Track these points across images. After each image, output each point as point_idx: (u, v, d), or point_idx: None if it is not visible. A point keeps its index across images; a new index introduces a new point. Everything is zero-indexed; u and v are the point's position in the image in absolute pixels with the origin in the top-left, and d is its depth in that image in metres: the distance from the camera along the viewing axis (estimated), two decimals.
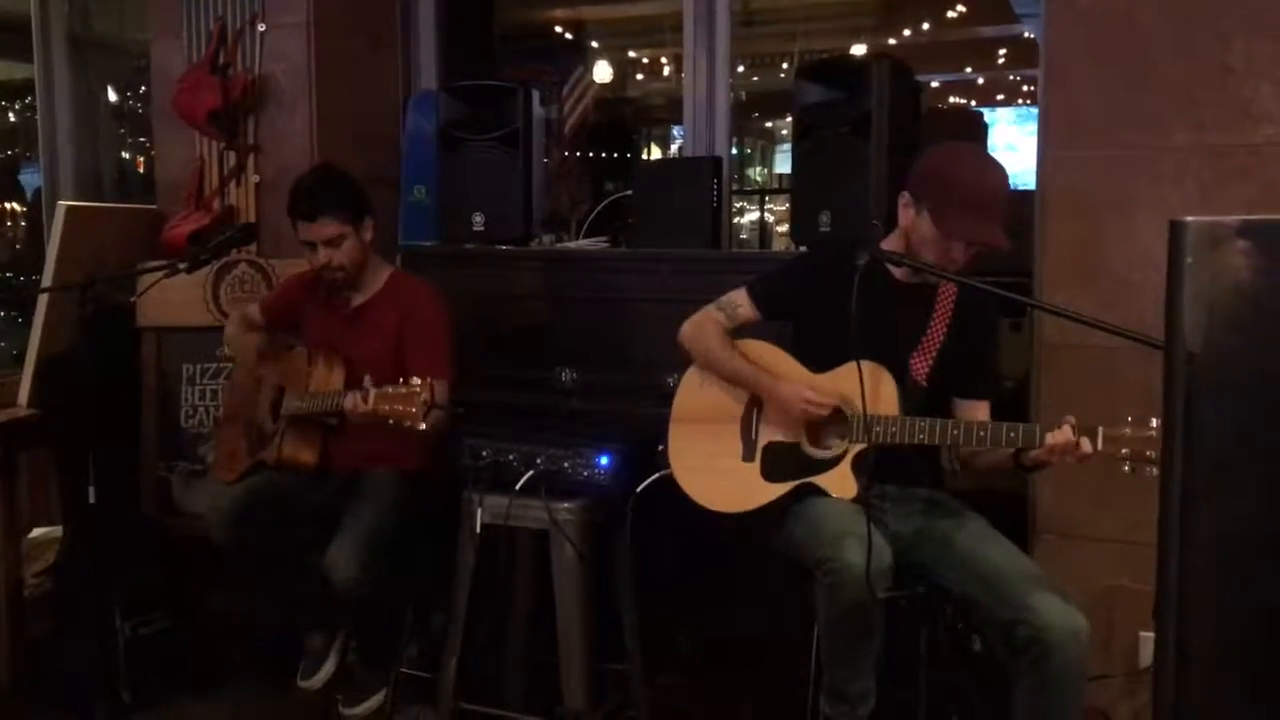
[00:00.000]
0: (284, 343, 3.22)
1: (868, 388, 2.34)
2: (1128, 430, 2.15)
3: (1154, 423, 2.12)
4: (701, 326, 2.62)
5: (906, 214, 2.46)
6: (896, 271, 2.52)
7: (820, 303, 2.51)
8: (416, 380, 2.59)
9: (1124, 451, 2.15)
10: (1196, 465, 0.90)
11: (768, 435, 2.54)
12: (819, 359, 2.51)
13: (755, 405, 2.58)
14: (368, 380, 2.67)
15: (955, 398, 2.51)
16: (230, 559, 2.98)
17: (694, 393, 2.66)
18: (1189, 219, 0.92)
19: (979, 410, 2.53)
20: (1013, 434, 2.28)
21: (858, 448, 2.41)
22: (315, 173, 3.13)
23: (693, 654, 3.15)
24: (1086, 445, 2.21)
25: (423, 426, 2.59)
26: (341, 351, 3.03)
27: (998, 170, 2.43)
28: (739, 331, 2.62)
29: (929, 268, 2.43)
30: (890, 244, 2.52)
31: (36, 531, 3.94)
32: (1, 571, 3.41)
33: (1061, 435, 2.23)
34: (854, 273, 2.28)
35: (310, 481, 3.00)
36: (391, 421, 2.61)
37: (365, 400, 2.65)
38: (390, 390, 2.61)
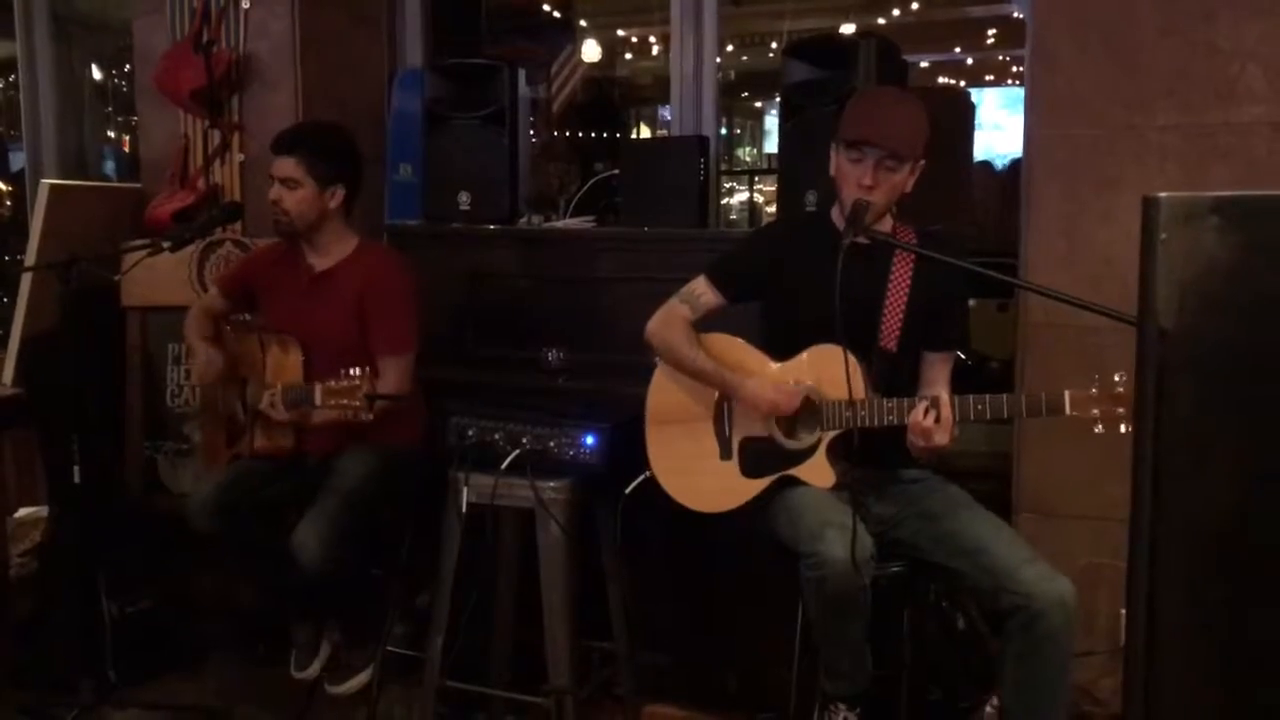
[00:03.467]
0: (245, 328, 3.19)
1: (831, 372, 2.35)
2: (1094, 390, 2.15)
3: (1117, 377, 2.13)
4: (666, 323, 2.60)
5: (832, 163, 2.48)
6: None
7: (782, 279, 2.53)
8: (355, 371, 2.62)
9: (1094, 412, 2.15)
10: (1169, 442, 0.91)
11: (741, 431, 2.54)
12: (787, 338, 2.51)
13: (725, 401, 2.58)
14: (318, 391, 2.69)
15: (924, 351, 2.52)
16: (213, 548, 2.98)
17: (665, 393, 2.66)
18: (1162, 194, 0.92)
19: (940, 364, 2.53)
20: (980, 406, 2.28)
21: (831, 435, 2.41)
22: (313, 120, 3.14)
23: (678, 631, 3.16)
24: (940, 437, 2.24)
25: (368, 418, 2.64)
26: (301, 322, 3.00)
27: (890, 90, 2.51)
28: (706, 319, 2.61)
29: (913, 248, 2.44)
30: (837, 211, 2.54)
31: (22, 511, 3.93)
32: None
33: (913, 415, 2.27)
34: (830, 250, 2.28)
35: (288, 466, 2.99)
36: (338, 416, 2.66)
37: (314, 401, 2.71)
38: (333, 384, 2.65)
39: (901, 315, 2.47)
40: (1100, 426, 2.15)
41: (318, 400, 2.69)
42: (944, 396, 2.26)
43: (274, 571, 2.93)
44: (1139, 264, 0.92)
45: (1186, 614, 0.92)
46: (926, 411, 2.25)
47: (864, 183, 2.38)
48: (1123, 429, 2.12)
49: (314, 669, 3.03)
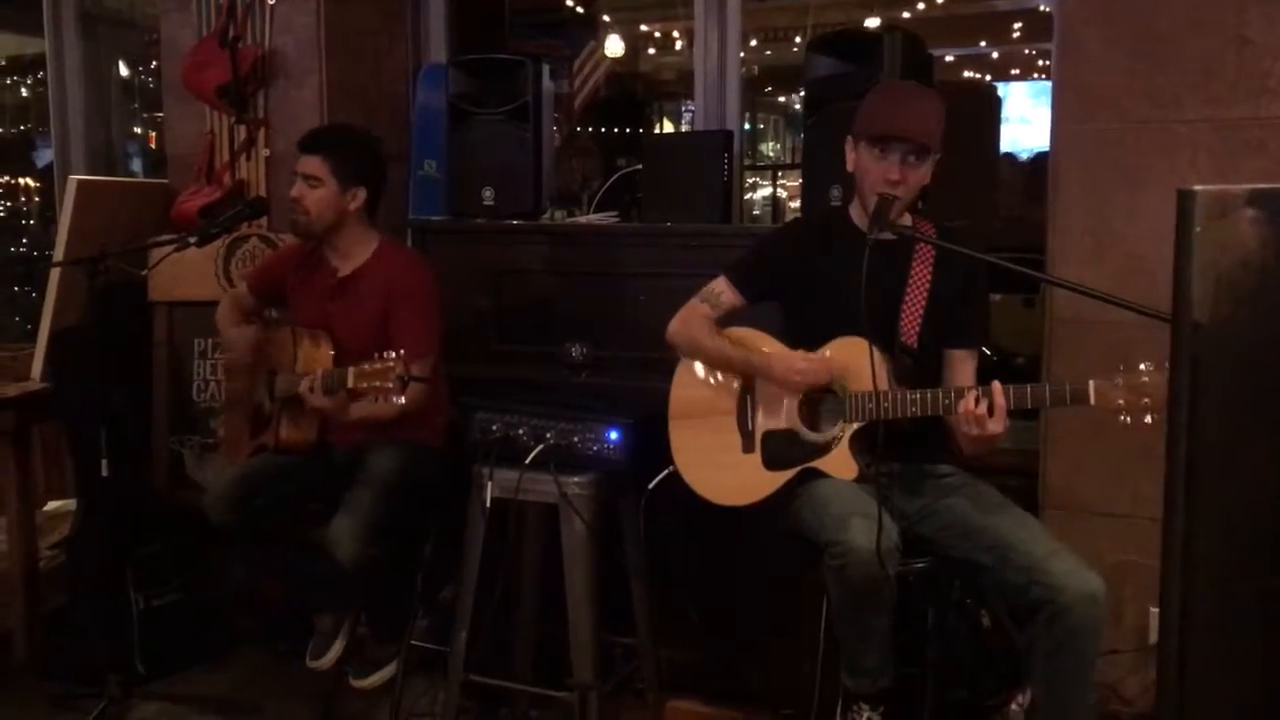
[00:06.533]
0: (276, 322, 3.21)
1: (856, 363, 2.34)
2: (1119, 380, 2.13)
3: (1141, 367, 2.11)
4: (687, 321, 2.62)
5: (850, 159, 2.49)
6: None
7: (801, 276, 2.52)
8: (391, 354, 2.61)
9: (1119, 402, 2.14)
10: (1202, 437, 0.90)
11: (764, 424, 2.54)
12: (809, 335, 2.50)
13: (747, 394, 2.58)
14: (351, 374, 2.68)
15: (945, 349, 2.51)
16: (231, 541, 2.99)
17: (687, 388, 2.66)
18: (1197, 187, 0.91)
19: (966, 361, 2.51)
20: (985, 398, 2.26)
21: (854, 427, 2.41)
22: (339, 123, 3.14)
23: (700, 627, 3.16)
24: (995, 425, 2.21)
25: (400, 400, 2.61)
26: (326, 324, 3.02)
27: (908, 84, 2.51)
28: (726, 319, 2.61)
29: (939, 243, 2.43)
30: (856, 206, 2.52)
31: (50, 504, 3.98)
32: (17, 544, 3.44)
33: (964, 404, 2.24)
34: (849, 245, 2.27)
35: (312, 459, 3.00)
36: (371, 398, 2.64)
37: (347, 383, 2.69)
38: (366, 367, 2.64)
39: (921, 311, 2.47)
40: (1126, 417, 2.14)
41: (350, 382, 2.68)
42: (996, 384, 2.24)
43: (294, 563, 2.95)
44: (1173, 257, 0.91)
45: (1221, 612, 0.91)
46: (978, 400, 2.23)
47: (891, 178, 2.38)
48: (1148, 420, 2.10)
49: (329, 659, 3.03)
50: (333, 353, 2.96)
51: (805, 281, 2.53)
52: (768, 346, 2.56)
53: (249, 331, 3.14)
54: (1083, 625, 2.18)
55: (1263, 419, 0.92)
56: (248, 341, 3.12)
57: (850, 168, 2.49)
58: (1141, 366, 2.12)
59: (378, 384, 2.61)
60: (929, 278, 2.48)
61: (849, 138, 2.50)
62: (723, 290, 2.60)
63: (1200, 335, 0.89)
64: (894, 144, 2.38)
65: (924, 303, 2.47)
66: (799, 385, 2.48)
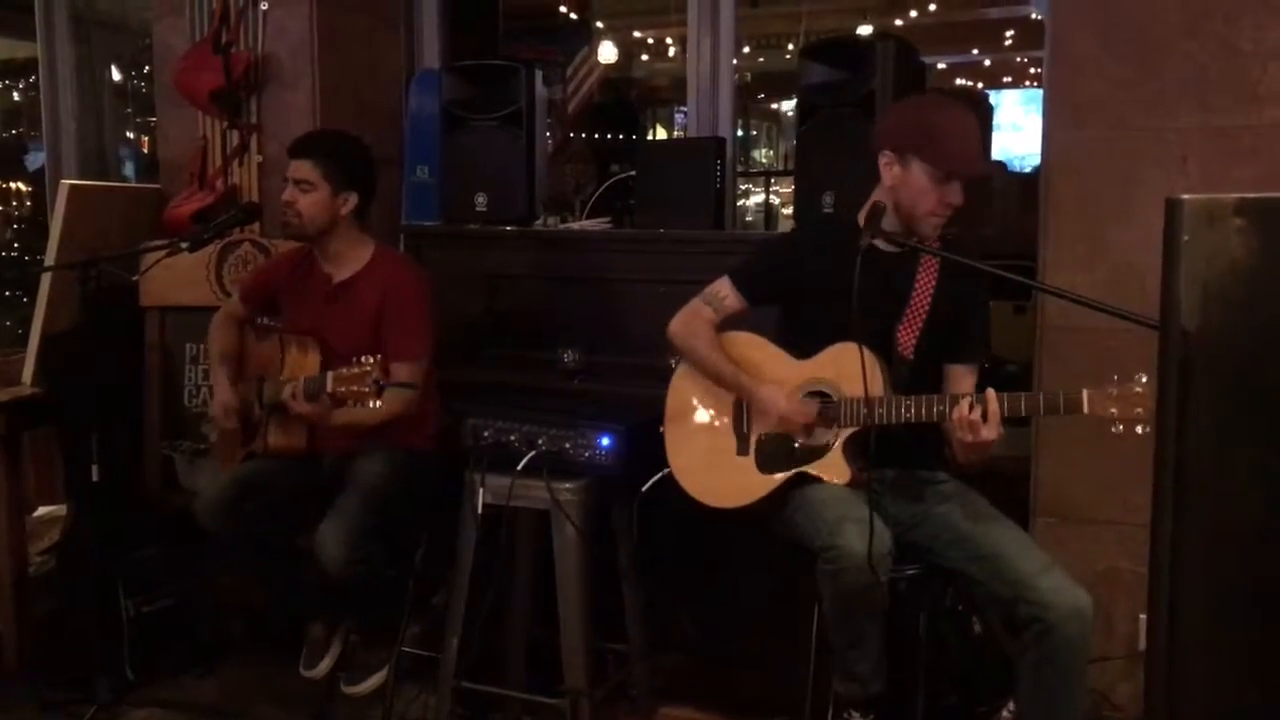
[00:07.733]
0: (266, 329, 3.20)
1: (850, 370, 2.34)
2: (1113, 390, 2.14)
3: (1138, 377, 2.12)
4: (689, 324, 2.61)
5: (891, 172, 2.42)
6: (877, 241, 2.47)
7: (805, 282, 2.52)
8: (368, 358, 2.61)
9: (1112, 411, 2.14)
10: (1191, 444, 0.90)
11: (759, 427, 2.54)
12: (807, 341, 2.50)
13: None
14: (329, 378, 2.68)
15: (945, 363, 2.51)
16: (221, 547, 2.98)
17: (684, 391, 2.66)
18: (1185, 196, 0.91)
19: (965, 376, 2.51)
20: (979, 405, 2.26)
21: (847, 432, 2.41)
22: (329, 128, 3.18)
23: (693, 633, 3.16)
24: (989, 431, 2.22)
25: (375, 404, 2.62)
26: (321, 330, 3.01)
27: (968, 108, 2.48)
28: (728, 321, 2.61)
29: (930, 250, 2.44)
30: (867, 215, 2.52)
31: (41, 510, 3.96)
32: (6, 549, 3.43)
33: (958, 410, 2.24)
34: (855, 253, 2.27)
35: (301, 466, 3.00)
36: (349, 402, 2.65)
37: (326, 387, 2.69)
38: (344, 371, 2.65)
39: (921, 323, 2.46)
40: (1119, 426, 2.14)
41: (329, 386, 2.68)
42: (990, 391, 2.24)
43: (285, 570, 2.94)
44: (1161, 265, 0.92)
45: (1210, 618, 0.91)
46: (972, 407, 2.23)
47: (956, 203, 2.40)
48: (1139, 430, 2.11)
49: (323, 667, 3.03)
50: (320, 359, 2.96)
51: (808, 288, 2.52)
52: (768, 353, 2.56)
53: (232, 408, 3.10)
54: (1070, 642, 2.19)
55: (1250, 426, 0.92)
56: (231, 419, 3.10)
57: (890, 181, 2.43)
58: (1136, 376, 2.12)
59: (355, 388, 2.61)
60: (931, 290, 2.48)
61: (890, 151, 2.43)
62: (726, 294, 2.59)
63: (1188, 342, 0.89)
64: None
65: (925, 315, 2.47)
66: (777, 423, 2.49)
